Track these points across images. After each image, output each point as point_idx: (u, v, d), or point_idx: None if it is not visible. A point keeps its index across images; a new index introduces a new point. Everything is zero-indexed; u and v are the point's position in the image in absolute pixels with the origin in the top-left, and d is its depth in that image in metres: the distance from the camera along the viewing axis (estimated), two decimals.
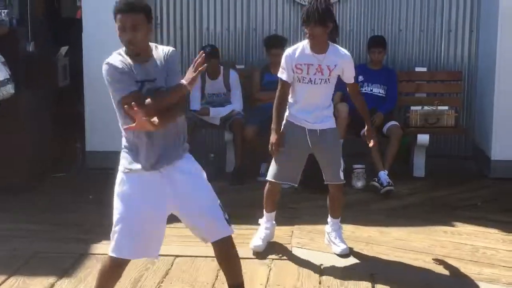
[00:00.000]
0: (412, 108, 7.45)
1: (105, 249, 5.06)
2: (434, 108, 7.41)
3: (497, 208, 6.25)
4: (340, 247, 5.06)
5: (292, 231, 5.52)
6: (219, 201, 3.84)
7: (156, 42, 8.11)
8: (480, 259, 5.03)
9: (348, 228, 5.56)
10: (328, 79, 4.85)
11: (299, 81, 4.88)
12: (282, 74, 4.95)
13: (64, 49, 7.86)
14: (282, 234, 5.45)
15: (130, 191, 3.72)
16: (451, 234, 5.58)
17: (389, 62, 7.98)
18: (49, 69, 7.43)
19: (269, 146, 4.95)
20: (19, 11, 8.67)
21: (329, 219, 5.19)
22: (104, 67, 3.65)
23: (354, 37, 8.12)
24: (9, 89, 6.17)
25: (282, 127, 4.98)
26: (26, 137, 6.58)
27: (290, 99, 5.00)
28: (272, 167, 5.04)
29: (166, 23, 8.29)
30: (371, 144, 5.03)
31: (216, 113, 7.37)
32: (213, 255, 4.89)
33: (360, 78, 7.30)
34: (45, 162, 7.07)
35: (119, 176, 3.80)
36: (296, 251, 5.15)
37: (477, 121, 7.95)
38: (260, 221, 5.27)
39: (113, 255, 3.73)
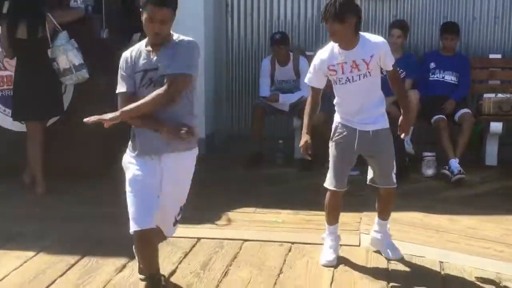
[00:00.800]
0: (485, 95, 7.30)
1: (176, 232, 5.19)
2: (509, 96, 7.25)
3: None
4: (392, 254, 4.77)
5: (361, 218, 5.51)
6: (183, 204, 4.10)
7: (226, 29, 8.29)
8: None
9: (417, 216, 5.53)
10: (368, 73, 4.41)
11: (336, 83, 4.52)
12: (310, 81, 4.64)
13: (137, 36, 7.97)
14: (351, 220, 5.45)
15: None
16: None
17: (463, 49, 7.84)
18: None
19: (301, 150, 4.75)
20: None
21: (377, 220, 4.88)
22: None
23: (427, 24, 8.02)
24: (84, 73, 6.31)
25: (333, 129, 4.72)
26: (100, 124, 6.69)
27: (335, 100, 4.67)
28: (330, 174, 4.73)
29: (236, 10, 8.36)
30: (402, 136, 4.69)
31: (286, 100, 7.40)
32: (282, 240, 5.03)
33: (432, 65, 7.23)
34: (116, 149, 7.18)
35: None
36: (365, 237, 5.13)
37: None
38: (323, 236, 4.88)
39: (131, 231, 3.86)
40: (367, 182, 4.83)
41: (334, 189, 4.72)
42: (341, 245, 4.92)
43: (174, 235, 4.33)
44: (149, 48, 3.83)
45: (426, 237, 5.13)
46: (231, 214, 5.67)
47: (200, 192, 6.25)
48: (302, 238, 5.14)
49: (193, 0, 7.43)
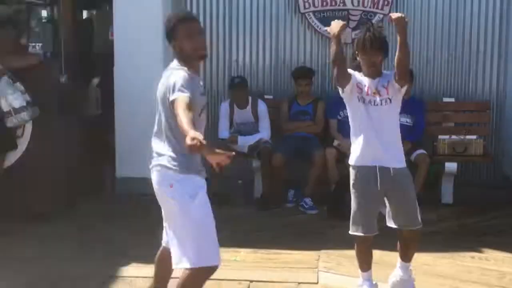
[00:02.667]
0: (440, 137, 7.46)
1: (132, 271, 5.19)
2: (462, 137, 7.42)
3: None
4: None
5: (319, 256, 5.54)
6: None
7: None
8: (507, 285, 5.03)
9: (376, 253, 5.55)
10: (389, 99, 4.55)
11: (359, 101, 4.53)
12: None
13: (96, 81, 8.06)
14: (309, 258, 5.48)
15: None
16: (478, 259, 5.57)
17: (417, 92, 8.02)
18: (81, 99, 7.62)
19: None
20: (53, 45, 8.94)
21: (400, 263, 4.82)
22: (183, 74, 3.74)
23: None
24: (24, 116, 6.34)
25: (351, 174, 4.61)
26: (58, 164, 6.70)
27: (351, 138, 4.66)
28: (354, 219, 4.60)
29: None
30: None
31: (244, 142, 7.47)
32: (240, 278, 5.04)
33: None
34: (76, 189, 7.18)
35: None
36: (323, 275, 5.17)
37: (506, 149, 7.94)
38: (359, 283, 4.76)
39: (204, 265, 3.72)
40: (386, 224, 4.69)
41: (361, 234, 4.60)
42: (299, 282, 4.96)
43: (132, 274, 4.29)
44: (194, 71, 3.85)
45: (385, 274, 5.18)
46: None
47: (157, 231, 6.29)
48: (260, 276, 5.17)
49: (153, 44, 7.50)
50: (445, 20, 8.06)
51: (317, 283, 5.06)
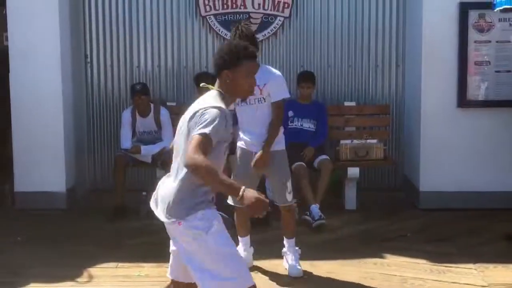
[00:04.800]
0: (342, 142, 7.55)
1: None
2: (363, 142, 7.53)
3: (425, 239, 6.37)
4: (291, 272, 5.36)
5: None
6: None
7: (86, 81, 8.20)
8: None
9: (279, 263, 5.58)
10: (263, 98, 5.12)
11: (237, 104, 5.09)
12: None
13: None
14: None
15: None
16: (380, 265, 5.66)
17: (319, 97, 8.10)
18: None
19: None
20: None
21: (284, 240, 5.48)
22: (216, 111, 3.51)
23: (284, 73, 8.18)
24: None
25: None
26: None
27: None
28: None
29: (96, 60, 8.28)
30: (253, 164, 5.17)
31: (147, 151, 7.35)
32: None
33: (290, 113, 7.37)
34: None
35: None
36: None
37: (406, 153, 8.13)
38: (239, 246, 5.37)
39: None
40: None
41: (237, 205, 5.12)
42: None
43: None
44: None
45: (287, 283, 5.20)
46: (93, 270, 5.53)
47: (61, 247, 6.13)
48: None
49: (49, 50, 7.30)
50: (344, 28, 8.21)
51: None
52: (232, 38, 5.01)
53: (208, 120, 3.44)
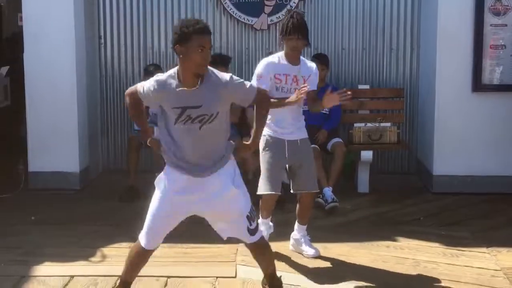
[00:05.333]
0: (356, 125, 7.54)
1: (45, 270, 5.04)
2: (377, 125, 7.51)
3: (438, 222, 6.36)
4: (310, 251, 5.40)
5: (237, 249, 5.49)
6: (248, 212, 4.13)
7: (99, 61, 8.19)
8: (421, 273, 5.11)
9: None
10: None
11: (277, 90, 5.08)
12: (260, 83, 4.94)
13: (4, 69, 7.77)
14: (227, 252, 5.44)
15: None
16: (393, 248, 5.65)
17: (333, 80, 8.07)
18: None
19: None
20: None
21: (297, 225, 5.47)
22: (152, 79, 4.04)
23: None
24: None
25: (263, 142, 5.15)
26: None
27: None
28: (263, 181, 5.17)
29: (110, 41, 8.28)
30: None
31: None
32: (157, 274, 4.97)
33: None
34: None
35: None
36: (241, 269, 5.15)
37: (419, 137, 8.10)
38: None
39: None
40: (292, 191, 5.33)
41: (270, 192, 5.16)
42: (217, 277, 4.93)
43: (45, 273, 4.19)
44: (186, 84, 3.89)
45: (300, 265, 5.21)
46: (106, 250, 5.55)
47: (74, 227, 6.16)
48: (177, 272, 5.11)
49: (63, 30, 7.31)
50: (359, 10, 8.16)
51: (235, 277, 5.03)
52: (284, 25, 5.02)
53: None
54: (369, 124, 7.54)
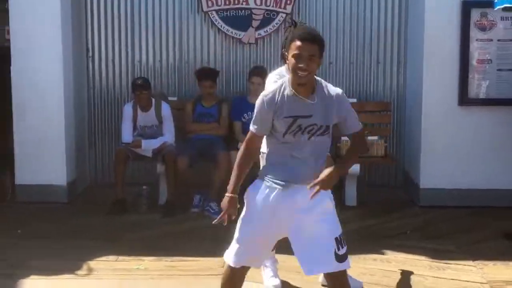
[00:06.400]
0: (343, 138, 7.54)
1: (30, 284, 5.02)
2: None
3: (425, 236, 6.38)
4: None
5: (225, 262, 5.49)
6: (338, 235, 3.77)
7: (87, 74, 8.19)
8: (407, 286, 5.12)
9: (280, 258, 5.57)
10: None
11: None
12: None
13: None
14: (215, 265, 5.43)
15: None
16: (380, 261, 5.67)
17: None
18: None
19: None
20: None
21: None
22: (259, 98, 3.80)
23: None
24: None
25: None
26: None
27: None
28: None
29: (97, 55, 8.27)
30: None
31: (148, 145, 7.35)
32: None
33: None
34: None
35: None
36: None
37: (406, 150, 8.14)
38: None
39: None
40: None
41: None
42: None
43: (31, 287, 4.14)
44: (300, 91, 3.71)
45: (288, 279, 5.22)
46: (92, 263, 5.54)
47: (61, 241, 6.14)
48: (164, 285, 5.12)
49: (52, 44, 7.30)
50: (346, 25, 8.21)
51: None
52: (285, 37, 4.64)
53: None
54: None
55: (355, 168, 7.32)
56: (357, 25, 8.19)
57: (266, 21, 8.12)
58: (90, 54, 8.28)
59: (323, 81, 3.83)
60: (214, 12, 8.16)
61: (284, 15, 8.10)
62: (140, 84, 7.38)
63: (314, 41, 3.65)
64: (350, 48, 8.24)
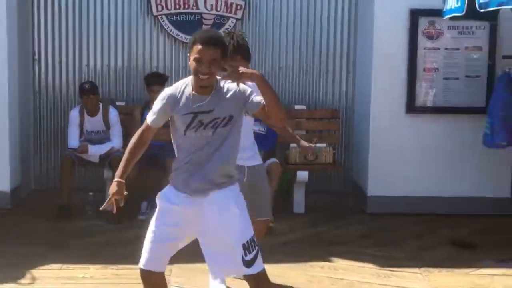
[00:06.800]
0: (292, 145, 7.55)
1: None
2: (313, 145, 7.53)
3: (372, 243, 6.41)
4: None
5: (171, 270, 5.43)
6: (245, 241, 3.75)
7: (33, 78, 8.02)
8: None
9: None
10: None
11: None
12: None
13: None
14: None
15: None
16: (327, 269, 5.68)
17: None
18: None
19: None
20: None
21: None
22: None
23: None
24: None
25: None
26: None
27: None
28: None
29: (44, 57, 8.14)
30: None
31: (95, 151, 7.24)
32: None
33: None
34: None
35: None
36: None
37: (355, 158, 8.18)
38: None
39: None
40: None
41: None
42: None
43: None
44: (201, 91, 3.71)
45: (234, 286, 5.17)
46: (36, 271, 5.43)
47: (4, 248, 6.00)
48: None
49: None
50: (296, 31, 8.24)
51: None
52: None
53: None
54: None
55: (304, 175, 7.35)
56: (307, 33, 8.22)
57: (216, 26, 8.05)
58: (36, 57, 8.13)
59: (223, 80, 3.82)
60: (164, 16, 8.10)
61: (234, 21, 8.08)
62: (87, 89, 7.27)
63: (216, 45, 3.66)
64: (300, 55, 8.26)
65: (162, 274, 3.94)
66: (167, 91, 3.81)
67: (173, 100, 3.73)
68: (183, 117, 3.71)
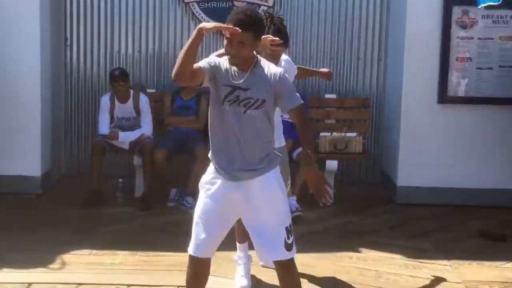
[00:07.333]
0: (322, 134, 7.54)
1: (2, 277, 4.95)
2: (343, 135, 7.52)
3: (401, 234, 6.36)
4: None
5: None
6: (288, 224, 3.82)
7: (65, 64, 8.06)
8: (383, 285, 5.10)
9: (253, 254, 5.54)
10: None
11: None
12: None
13: None
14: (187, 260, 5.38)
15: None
16: (356, 259, 5.65)
17: (300, 88, 8.05)
18: None
19: None
20: None
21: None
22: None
23: None
24: None
25: None
26: None
27: None
28: None
29: (76, 44, 8.18)
30: None
31: (125, 138, 7.27)
32: (118, 282, 4.91)
33: None
34: None
35: None
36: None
37: (385, 147, 8.13)
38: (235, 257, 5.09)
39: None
40: None
41: None
42: (178, 286, 4.87)
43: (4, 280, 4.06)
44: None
45: (263, 275, 5.17)
46: (66, 257, 5.46)
47: (34, 233, 6.06)
48: (139, 280, 5.05)
49: (29, 32, 7.19)
50: (328, 19, 8.20)
51: None
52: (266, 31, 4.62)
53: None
54: (335, 134, 7.55)
55: (333, 164, 7.31)
56: (339, 21, 8.16)
57: None
58: (68, 43, 8.17)
59: (265, 61, 3.83)
60: (195, 4, 8.10)
61: (265, 8, 8.05)
62: (117, 75, 7.30)
63: (246, 29, 3.64)
64: (331, 44, 8.21)
65: (209, 260, 4.02)
66: (215, 58, 3.81)
67: (218, 67, 3.72)
68: (222, 88, 3.71)
